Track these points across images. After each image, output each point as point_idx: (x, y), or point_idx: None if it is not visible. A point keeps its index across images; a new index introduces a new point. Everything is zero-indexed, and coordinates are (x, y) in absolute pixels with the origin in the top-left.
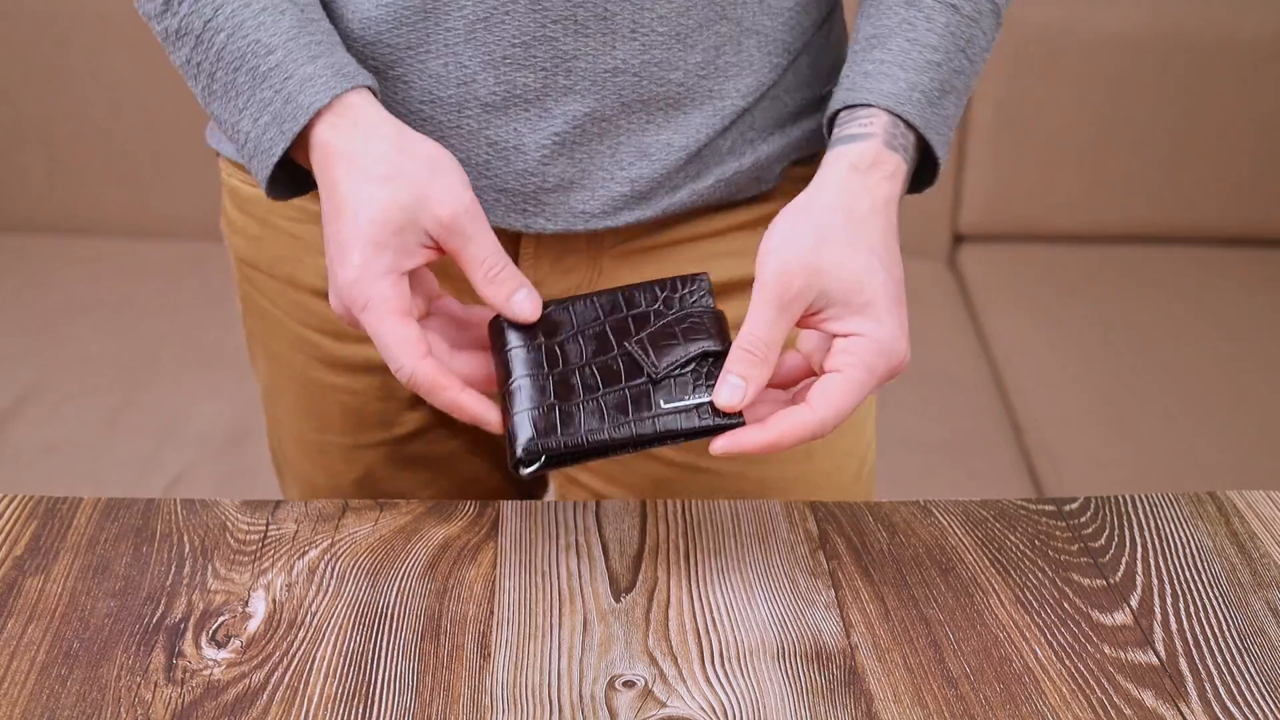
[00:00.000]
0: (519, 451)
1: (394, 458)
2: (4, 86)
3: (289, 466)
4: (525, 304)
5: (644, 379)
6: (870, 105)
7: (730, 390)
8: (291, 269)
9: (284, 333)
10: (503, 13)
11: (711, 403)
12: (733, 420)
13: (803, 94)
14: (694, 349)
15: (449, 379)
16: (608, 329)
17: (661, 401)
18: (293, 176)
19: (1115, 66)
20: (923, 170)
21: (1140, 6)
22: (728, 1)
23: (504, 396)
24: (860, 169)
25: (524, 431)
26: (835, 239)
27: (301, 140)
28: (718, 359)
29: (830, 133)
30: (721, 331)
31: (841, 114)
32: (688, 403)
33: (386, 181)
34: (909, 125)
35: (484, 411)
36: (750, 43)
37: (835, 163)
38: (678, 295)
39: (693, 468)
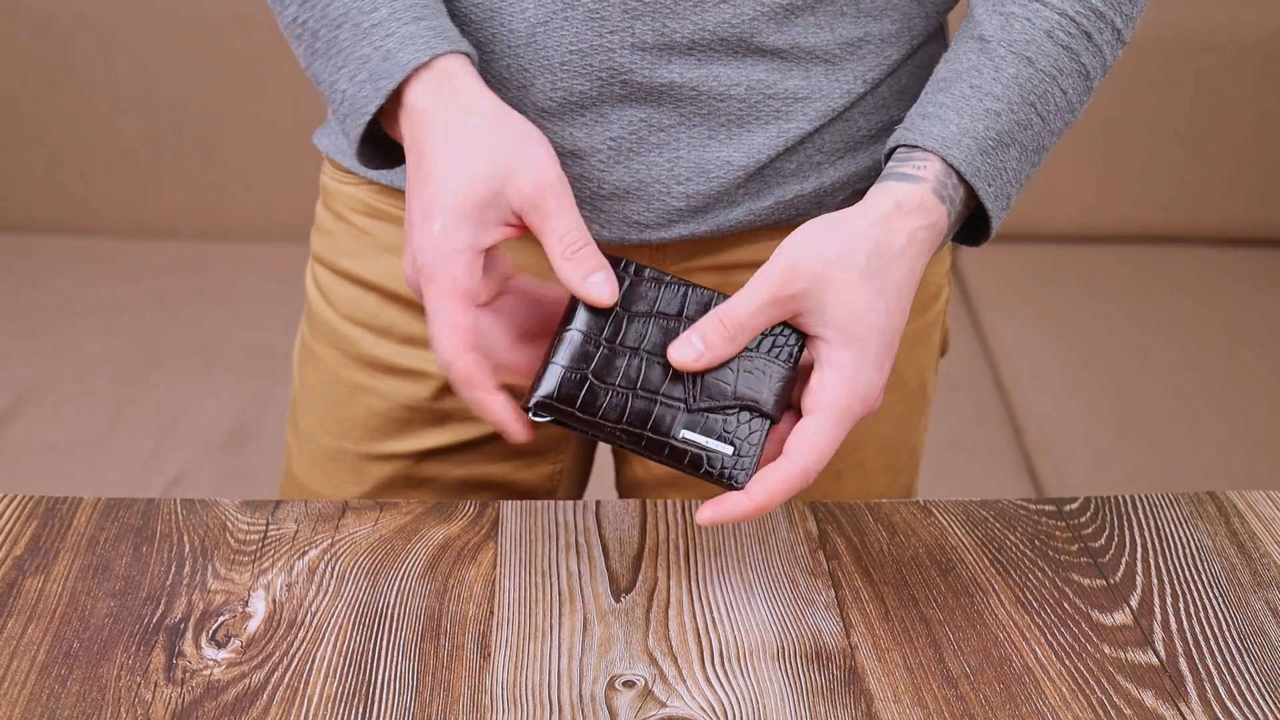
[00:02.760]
0: (534, 400)
1: (405, 475)
2: (4, 87)
3: (297, 492)
4: (603, 286)
5: (680, 400)
6: (924, 149)
7: (685, 347)
8: (354, 263)
9: (326, 329)
10: (561, 18)
11: (723, 456)
12: (733, 480)
13: (880, 117)
14: (741, 399)
15: (484, 378)
16: (680, 331)
17: (683, 430)
18: (385, 152)
19: (1116, 66)
20: (981, 222)
21: None
22: (794, 27)
23: (556, 335)
24: (904, 210)
25: (548, 385)
26: (854, 263)
27: (396, 106)
28: (758, 419)
29: (885, 163)
30: (781, 397)
31: (899, 150)
32: (704, 444)
33: (476, 153)
34: (961, 178)
35: (507, 420)
36: (818, 70)
37: (883, 195)
38: (766, 335)
39: None
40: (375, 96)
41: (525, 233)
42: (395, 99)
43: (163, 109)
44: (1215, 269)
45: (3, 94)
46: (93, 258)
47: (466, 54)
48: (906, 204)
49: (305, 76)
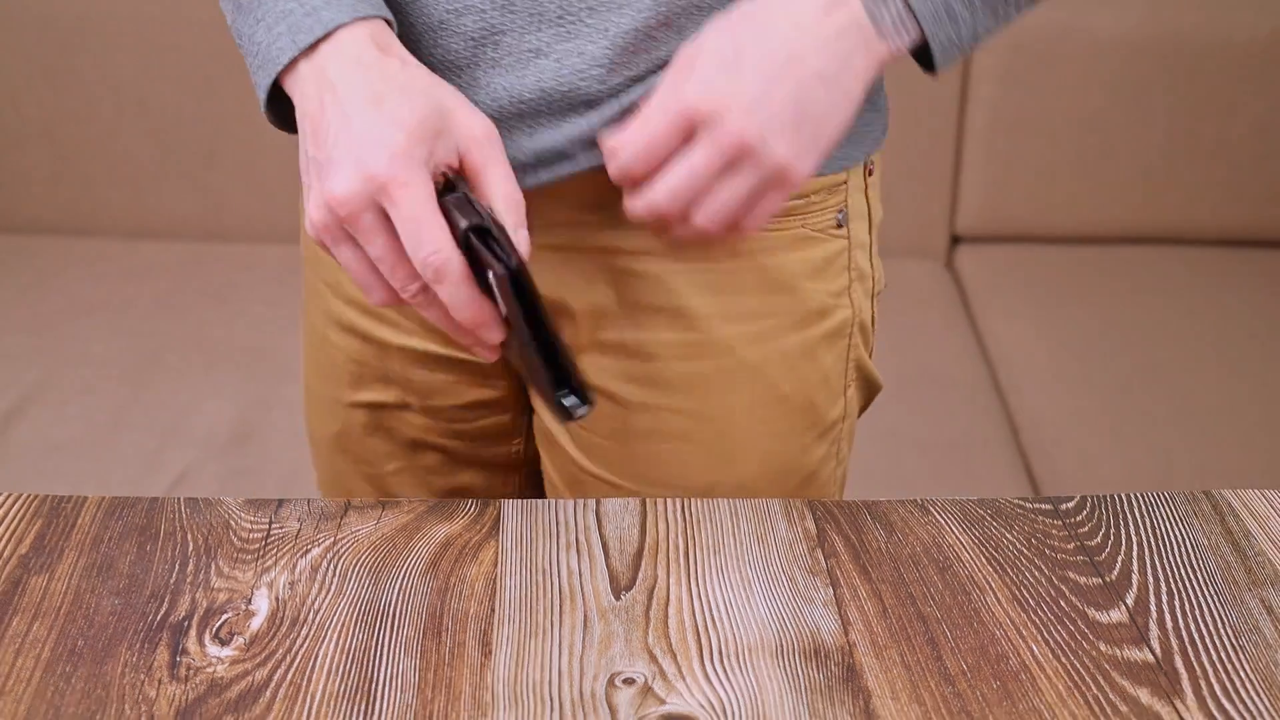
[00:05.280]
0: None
1: (364, 422)
2: (7, 88)
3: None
4: (526, 240)
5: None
6: None
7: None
8: None
9: (311, 289)
10: None
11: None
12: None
13: None
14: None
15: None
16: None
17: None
18: (290, 119)
19: (1112, 68)
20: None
21: (1137, 8)
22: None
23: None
24: None
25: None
26: (717, 24)
27: (301, 68)
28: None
29: None
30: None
31: None
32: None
33: (418, 93)
34: None
35: (490, 321)
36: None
37: None
38: None
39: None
40: (290, 48)
41: (456, 174)
42: (307, 60)
43: (165, 111)
44: (1213, 270)
45: (6, 96)
46: (96, 258)
47: (388, 21)
48: None
49: None
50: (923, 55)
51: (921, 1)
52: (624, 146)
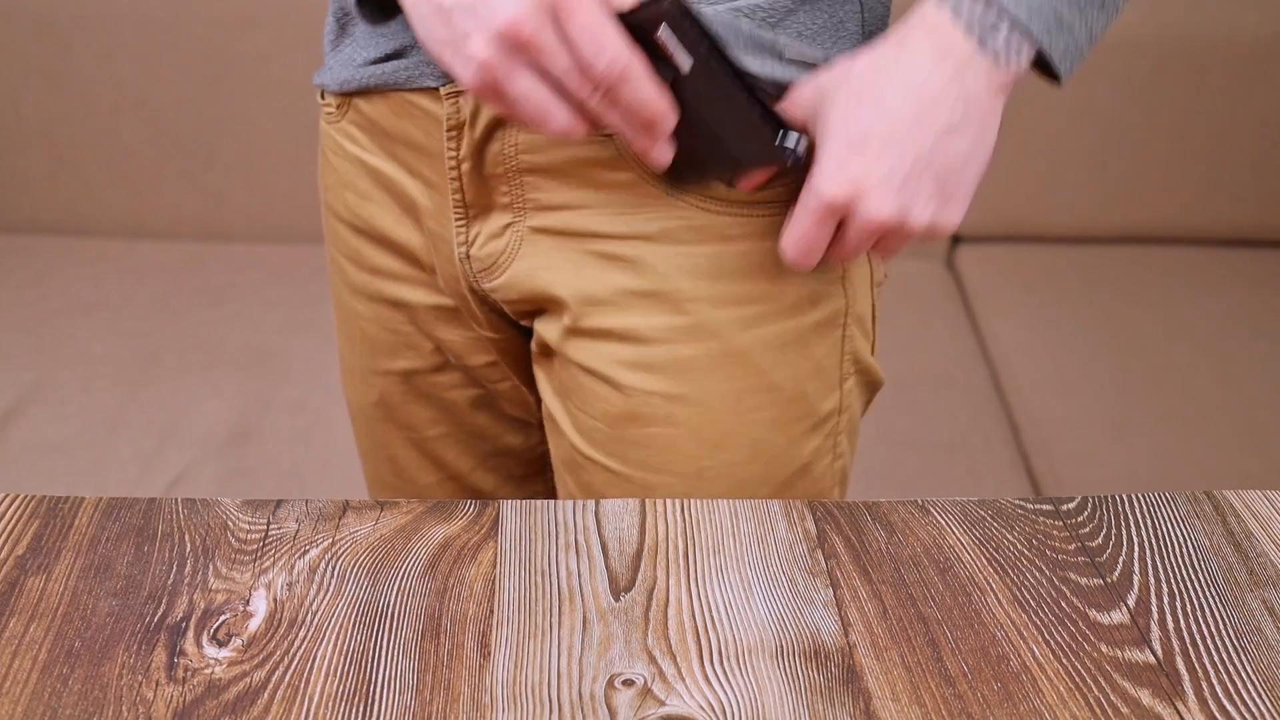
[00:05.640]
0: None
1: (405, 388)
2: (6, 87)
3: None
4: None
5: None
6: None
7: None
8: (331, 197)
9: (333, 265)
10: None
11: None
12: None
13: None
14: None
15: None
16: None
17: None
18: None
19: (1113, 67)
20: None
21: (1138, 8)
22: None
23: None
24: (901, 28)
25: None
26: (845, 73)
27: None
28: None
29: None
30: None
31: None
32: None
33: None
34: None
35: (670, 109)
36: None
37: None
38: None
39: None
40: None
41: None
42: None
43: (164, 111)
44: (1214, 269)
45: (4, 96)
46: (94, 258)
47: None
48: (904, 23)
49: (306, 79)
50: (1043, 65)
51: (1030, 18)
52: (785, 249)
